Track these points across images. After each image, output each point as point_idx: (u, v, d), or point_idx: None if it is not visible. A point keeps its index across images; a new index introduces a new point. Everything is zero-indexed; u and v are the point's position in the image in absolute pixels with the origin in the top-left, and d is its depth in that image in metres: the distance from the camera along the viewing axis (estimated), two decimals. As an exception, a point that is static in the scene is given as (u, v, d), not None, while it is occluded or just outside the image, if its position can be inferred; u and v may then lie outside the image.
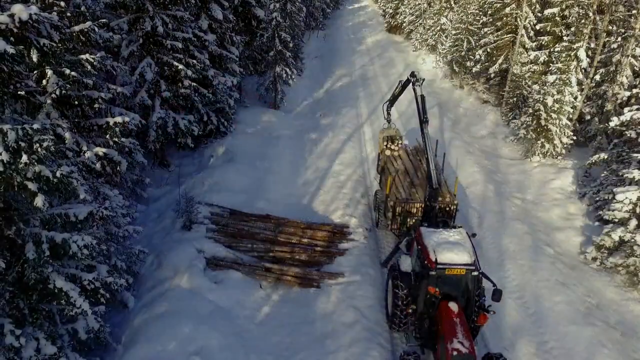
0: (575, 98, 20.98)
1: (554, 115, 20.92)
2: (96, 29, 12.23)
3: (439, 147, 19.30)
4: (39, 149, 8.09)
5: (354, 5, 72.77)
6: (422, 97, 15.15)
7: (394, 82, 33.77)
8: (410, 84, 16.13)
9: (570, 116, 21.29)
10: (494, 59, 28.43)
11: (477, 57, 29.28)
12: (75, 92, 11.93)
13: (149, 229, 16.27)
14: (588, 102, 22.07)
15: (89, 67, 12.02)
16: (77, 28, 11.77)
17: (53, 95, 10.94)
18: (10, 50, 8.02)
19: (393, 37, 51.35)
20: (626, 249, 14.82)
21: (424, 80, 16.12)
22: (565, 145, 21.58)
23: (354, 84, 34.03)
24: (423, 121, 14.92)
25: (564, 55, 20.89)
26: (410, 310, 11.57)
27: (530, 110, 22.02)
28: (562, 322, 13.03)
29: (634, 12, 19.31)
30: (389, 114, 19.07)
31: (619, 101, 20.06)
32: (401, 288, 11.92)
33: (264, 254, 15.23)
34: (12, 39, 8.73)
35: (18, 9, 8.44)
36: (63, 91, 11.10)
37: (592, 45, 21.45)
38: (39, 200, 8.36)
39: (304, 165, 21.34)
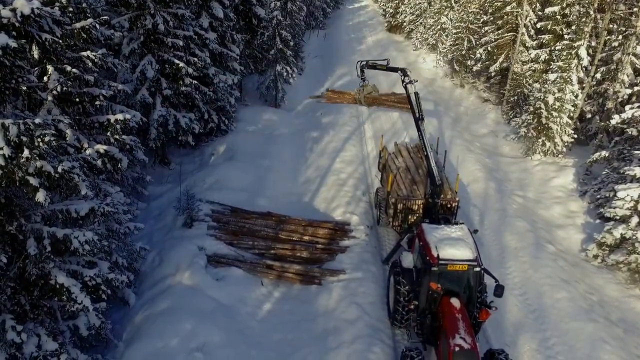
0: (576, 96, 20.97)
1: (554, 114, 20.92)
2: (97, 26, 12.20)
3: (440, 146, 19.31)
4: (41, 144, 8.08)
5: (354, 4, 72.80)
6: (417, 94, 14.86)
7: (394, 81, 33.79)
8: (401, 81, 15.60)
9: (571, 114, 21.28)
10: (495, 57, 28.45)
11: (478, 55, 29.31)
12: (76, 89, 11.90)
13: (150, 227, 16.27)
14: (589, 101, 22.07)
15: (90, 64, 12.02)
16: (78, 25, 11.74)
17: (54, 92, 10.92)
18: (13, 44, 8.00)
19: (393, 36, 51.37)
20: (628, 246, 14.81)
21: (416, 81, 15.68)
22: (566, 144, 21.59)
23: (355, 83, 33.79)
24: (419, 119, 14.74)
25: (564, 53, 20.88)
26: (412, 307, 11.55)
27: (531, 109, 22.04)
28: (564, 319, 13.01)
29: (634, 10, 19.32)
30: (362, 71, 18.34)
31: (619, 99, 20.07)
32: (403, 284, 11.90)
33: (265, 251, 15.22)
34: (14, 33, 8.71)
35: (20, 3, 8.42)
36: (64, 88, 11.08)
37: (593, 43, 21.43)
38: (40, 196, 8.35)
39: (305, 164, 21.34)
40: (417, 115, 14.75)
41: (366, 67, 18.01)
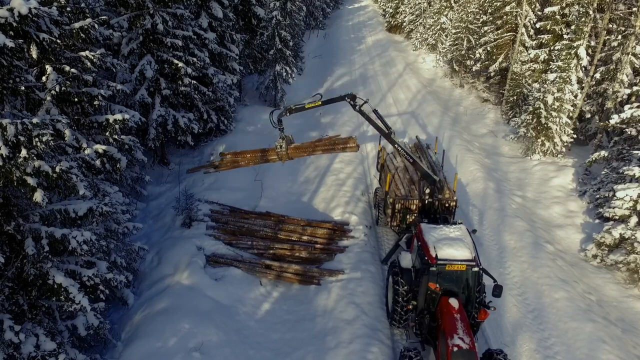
0: (576, 96, 20.98)
1: (554, 114, 20.93)
2: (96, 26, 12.21)
3: (439, 146, 19.30)
4: (39, 144, 8.10)
5: (354, 4, 72.94)
6: (375, 111, 14.23)
7: (394, 81, 33.86)
8: (352, 107, 14.23)
9: (571, 114, 21.29)
10: (494, 57, 28.46)
11: (477, 55, 29.32)
12: (75, 89, 11.91)
13: (149, 227, 16.29)
14: (588, 100, 22.06)
15: (89, 64, 12.03)
16: (77, 25, 11.75)
17: (53, 92, 10.93)
18: (10, 44, 8.01)
19: (393, 36, 51.41)
20: (626, 246, 14.81)
21: (368, 100, 14.44)
22: (565, 144, 21.59)
23: (354, 83, 34.00)
24: (389, 134, 14.33)
25: (564, 53, 20.87)
26: (410, 307, 11.55)
27: (531, 109, 22.03)
28: (563, 319, 13.00)
29: (634, 9, 19.30)
30: (280, 122, 15.10)
31: (619, 99, 20.03)
32: (401, 284, 11.90)
33: (264, 251, 15.21)
34: (11, 33, 8.71)
35: (18, 3, 8.43)
36: (63, 88, 11.09)
37: (593, 43, 21.44)
38: (38, 196, 8.36)
39: (305, 164, 21.32)
40: (386, 131, 14.36)
41: (287, 113, 14.78)
